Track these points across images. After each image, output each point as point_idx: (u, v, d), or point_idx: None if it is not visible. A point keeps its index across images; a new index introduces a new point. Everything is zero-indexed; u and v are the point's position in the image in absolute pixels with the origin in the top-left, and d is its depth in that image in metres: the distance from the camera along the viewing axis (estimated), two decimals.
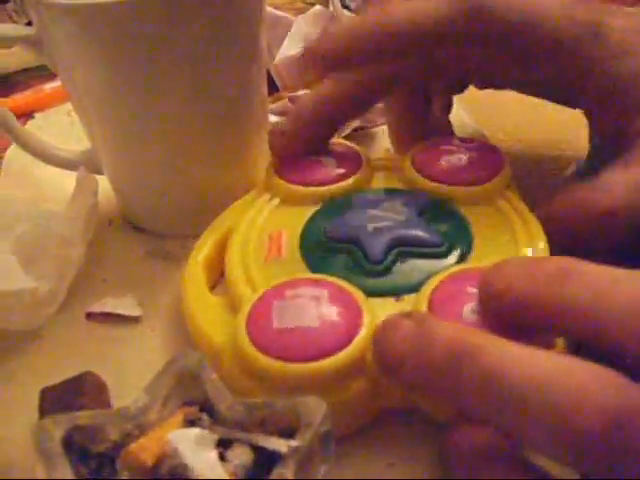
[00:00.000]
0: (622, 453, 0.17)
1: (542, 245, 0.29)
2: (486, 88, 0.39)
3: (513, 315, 0.21)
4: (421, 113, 0.39)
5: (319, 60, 0.32)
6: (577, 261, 0.21)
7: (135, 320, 0.34)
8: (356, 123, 0.47)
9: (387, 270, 0.29)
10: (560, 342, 0.25)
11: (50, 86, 0.56)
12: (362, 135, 0.48)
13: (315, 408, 0.21)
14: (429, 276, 0.28)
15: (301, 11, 0.56)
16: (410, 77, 0.37)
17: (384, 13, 0.31)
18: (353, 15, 0.74)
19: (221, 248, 0.33)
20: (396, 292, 0.28)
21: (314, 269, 0.30)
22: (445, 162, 0.34)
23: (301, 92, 0.49)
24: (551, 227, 0.29)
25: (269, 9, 0.52)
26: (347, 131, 0.47)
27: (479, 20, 0.30)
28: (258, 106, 0.39)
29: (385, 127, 0.48)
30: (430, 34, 0.31)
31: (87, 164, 0.39)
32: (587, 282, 0.20)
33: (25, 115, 0.54)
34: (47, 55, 0.36)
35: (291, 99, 0.48)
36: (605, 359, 0.19)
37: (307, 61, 0.33)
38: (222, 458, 0.21)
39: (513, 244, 0.30)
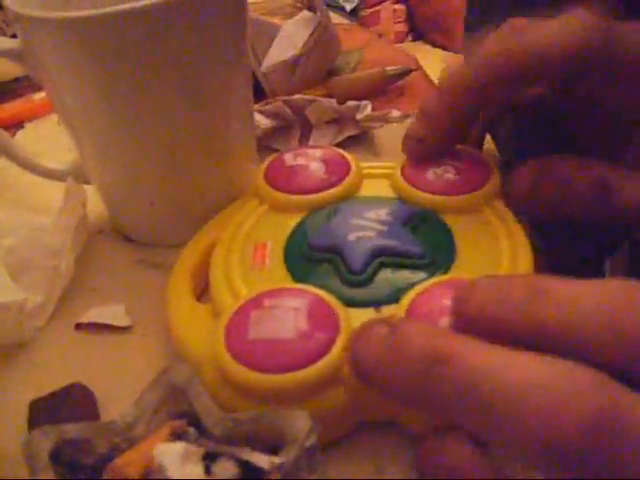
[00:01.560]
0: (604, 458, 0.17)
1: (526, 256, 0.29)
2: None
3: (488, 337, 0.21)
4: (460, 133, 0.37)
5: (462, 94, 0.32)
6: (545, 279, 0.21)
7: (124, 330, 0.34)
8: (352, 131, 0.47)
9: (368, 280, 0.29)
10: None
11: (40, 96, 0.56)
12: (354, 141, 0.48)
13: (300, 423, 0.21)
14: (409, 287, 0.28)
15: (289, 16, 0.56)
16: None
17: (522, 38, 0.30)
18: (344, 19, 0.74)
19: (207, 256, 0.33)
20: (376, 302, 0.28)
21: (297, 278, 0.30)
22: (433, 171, 0.34)
23: (296, 96, 0.49)
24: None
25: (255, 15, 0.52)
26: (341, 138, 0.47)
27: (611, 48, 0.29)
28: (244, 111, 0.39)
29: (377, 133, 0.48)
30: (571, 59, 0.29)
31: (75, 175, 0.39)
32: (556, 301, 0.20)
33: (15, 125, 0.54)
34: (31, 67, 0.36)
35: (285, 102, 0.48)
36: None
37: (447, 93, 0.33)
38: (208, 472, 0.21)
39: (496, 255, 0.30)
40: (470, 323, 0.22)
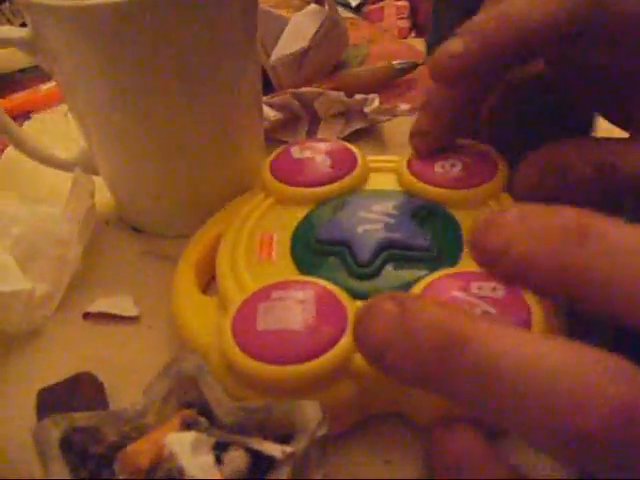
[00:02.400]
0: (630, 450, 0.16)
1: None
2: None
3: (517, 279, 0.19)
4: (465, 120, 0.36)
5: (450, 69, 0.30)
6: (598, 218, 0.18)
7: (132, 320, 0.34)
8: (360, 124, 0.47)
9: (375, 273, 0.29)
10: None
11: (47, 86, 0.56)
12: (362, 134, 0.48)
13: (311, 413, 0.21)
14: (417, 280, 0.28)
15: (297, 9, 0.56)
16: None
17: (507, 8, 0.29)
18: (350, 14, 0.74)
19: (213, 249, 0.33)
20: None
21: (303, 271, 0.30)
22: (440, 165, 0.34)
23: (305, 88, 0.49)
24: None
25: (263, 7, 0.52)
26: (349, 131, 0.47)
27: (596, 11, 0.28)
28: (252, 103, 0.39)
29: (385, 126, 0.48)
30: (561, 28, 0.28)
31: (83, 165, 0.39)
32: (608, 247, 0.17)
33: (22, 116, 0.54)
34: (41, 57, 0.36)
35: (294, 94, 0.48)
36: (615, 339, 0.18)
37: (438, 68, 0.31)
38: (218, 461, 0.21)
39: None
40: (492, 262, 0.19)
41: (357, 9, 1.95)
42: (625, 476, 0.16)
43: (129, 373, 0.31)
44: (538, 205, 0.19)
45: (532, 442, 0.18)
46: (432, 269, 0.29)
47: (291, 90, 0.48)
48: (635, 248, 0.17)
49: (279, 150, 0.37)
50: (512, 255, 0.18)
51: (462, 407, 0.19)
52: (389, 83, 0.55)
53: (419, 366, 0.19)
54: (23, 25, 0.35)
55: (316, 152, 0.36)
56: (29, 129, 0.52)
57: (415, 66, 0.56)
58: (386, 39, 0.67)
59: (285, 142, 0.45)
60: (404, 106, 0.47)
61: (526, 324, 0.25)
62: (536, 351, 0.17)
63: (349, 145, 0.37)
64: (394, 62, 0.55)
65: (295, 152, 0.36)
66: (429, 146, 0.35)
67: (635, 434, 0.16)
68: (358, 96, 0.48)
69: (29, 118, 0.54)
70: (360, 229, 0.31)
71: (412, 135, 0.35)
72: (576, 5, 0.28)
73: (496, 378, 0.17)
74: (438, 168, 0.34)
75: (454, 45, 0.29)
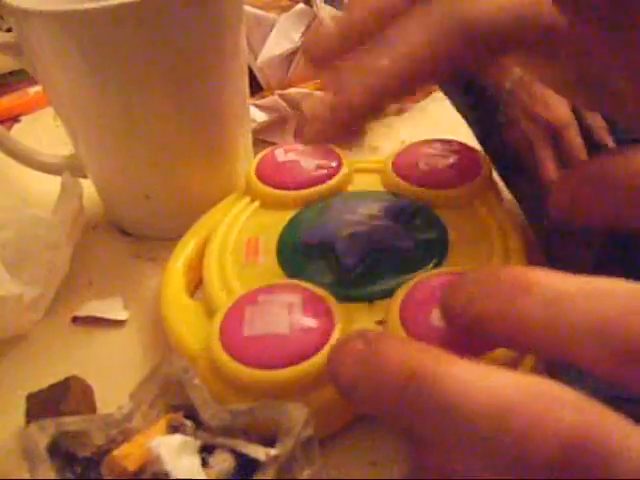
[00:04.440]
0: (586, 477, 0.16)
1: (518, 249, 0.30)
2: None
3: (477, 332, 0.21)
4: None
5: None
6: (533, 272, 0.20)
7: (121, 323, 0.34)
8: None
9: (361, 276, 0.30)
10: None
11: (35, 89, 0.56)
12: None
13: (296, 416, 0.21)
14: (403, 281, 0.28)
15: (285, 9, 0.56)
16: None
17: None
18: (340, 12, 0.74)
19: (200, 253, 0.33)
20: (369, 297, 0.29)
21: (290, 274, 0.30)
22: (424, 165, 0.34)
23: (291, 89, 0.49)
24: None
25: (250, 9, 0.52)
26: None
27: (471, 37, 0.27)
28: (239, 105, 0.39)
29: (372, 127, 0.48)
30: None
31: (71, 169, 0.39)
32: (542, 298, 0.19)
33: (11, 119, 0.54)
34: (27, 61, 0.36)
35: (281, 95, 0.48)
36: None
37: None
38: (204, 464, 0.21)
39: (488, 248, 0.30)
40: (458, 317, 0.21)
41: None
42: None
43: (117, 376, 0.31)
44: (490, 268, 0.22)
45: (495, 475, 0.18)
46: (418, 270, 0.29)
47: (278, 91, 0.49)
48: (575, 292, 0.19)
49: (264, 153, 0.38)
50: (470, 314, 0.20)
51: (424, 437, 0.20)
52: None
53: (384, 403, 0.20)
54: (9, 30, 0.36)
55: (300, 155, 0.36)
56: (19, 132, 0.52)
57: None
58: None
59: (272, 143, 0.45)
60: (391, 106, 0.47)
61: None
62: (489, 386, 0.18)
63: (333, 147, 0.37)
64: None
65: (280, 155, 0.37)
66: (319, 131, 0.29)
67: (589, 463, 0.16)
68: None
69: (19, 121, 0.54)
70: (345, 231, 0.31)
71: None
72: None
73: (454, 415, 0.18)
74: (422, 168, 0.34)
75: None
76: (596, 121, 0.75)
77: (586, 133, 0.75)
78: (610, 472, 0.16)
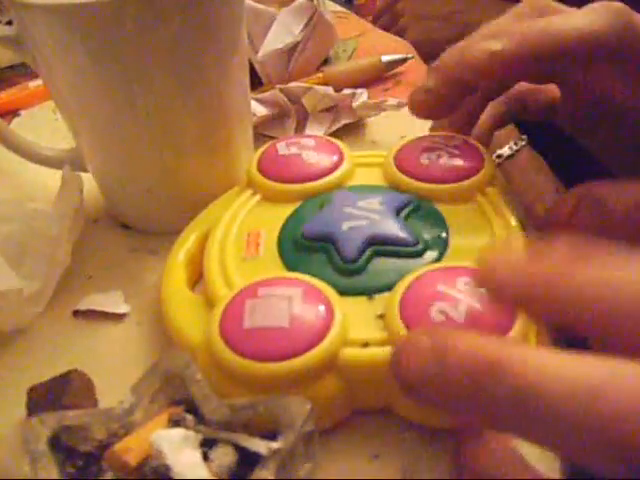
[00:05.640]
0: None
1: (519, 244, 0.30)
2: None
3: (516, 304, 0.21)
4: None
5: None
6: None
7: (121, 317, 0.34)
8: (348, 119, 0.47)
9: (361, 269, 0.29)
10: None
11: (36, 83, 0.56)
12: (350, 129, 0.48)
13: (297, 409, 0.21)
14: (402, 275, 0.28)
15: (286, 4, 0.56)
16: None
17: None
18: (340, 7, 0.74)
19: (201, 247, 0.33)
20: (369, 291, 0.29)
21: (290, 268, 0.30)
22: (426, 160, 0.34)
23: (293, 84, 0.49)
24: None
25: (251, 3, 0.52)
26: (338, 126, 0.47)
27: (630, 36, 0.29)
28: (240, 99, 0.39)
29: (373, 121, 0.48)
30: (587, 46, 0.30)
31: (72, 162, 0.39)
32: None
33: (11, 112, 0.54)
34: (28, 54, 0.36)
35: (281, 90, 0.48)
36: None
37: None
38: (205, 458, 0.21)
39: (489, 243, 0.30)
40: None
41: (348, 2, 1.94)
42: None
43: (118, 370, 0.31)
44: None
45: (581, 460, 0.18)
46: (418, 264, 0.29)
47: (279, 85, 0.49)
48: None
49: (266, 147, 0.37)
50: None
51: (499, 430, 0.20)
52: (378, 78, 0.55)
53: (456, 398, 0.19)
54: (9, 23, 0.35)
55: (302, 148, 0.36)
56: (18, 126, 0.52)
57: (404, 60, 0.56)
58: (376, 33, 0.67)
59: (273, 137, 0.45)
60: (392, 101, 0.47)
61: (510, 319, 0.25)
62: (573, 371, 0.18)
63: (335, 141, 0.37)
64: (383, 56, 0.55)
65: (281, 149, 0.37)
66: (430, 104, 0.34)
67: None
68: (346, 91, 0.48)
69: (19, 115, 0.54)
70: (346, 225, 0.31)
71: (413, 93, 0.35)
72: (610, 25, 0.29)
73: (536, 403, 0.18)
74: (424, 163, 0.34)
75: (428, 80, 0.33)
76: None
77: None
78: None
